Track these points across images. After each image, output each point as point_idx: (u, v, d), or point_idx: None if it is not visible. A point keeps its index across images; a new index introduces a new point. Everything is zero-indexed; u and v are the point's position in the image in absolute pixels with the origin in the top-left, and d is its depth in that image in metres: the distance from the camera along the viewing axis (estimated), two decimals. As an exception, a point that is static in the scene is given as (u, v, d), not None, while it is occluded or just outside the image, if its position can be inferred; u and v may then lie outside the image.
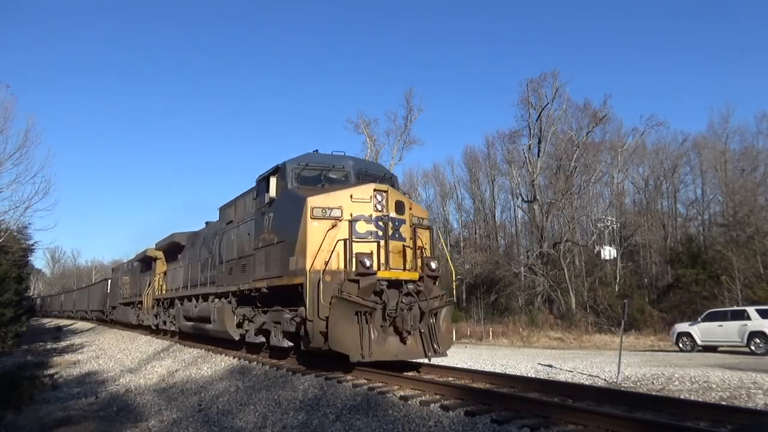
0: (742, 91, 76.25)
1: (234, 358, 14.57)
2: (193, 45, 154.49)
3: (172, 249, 22.92)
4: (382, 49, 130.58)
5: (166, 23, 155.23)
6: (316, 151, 12.78)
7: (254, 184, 14.28)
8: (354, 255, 10.37)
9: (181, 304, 19.66)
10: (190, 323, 18.41)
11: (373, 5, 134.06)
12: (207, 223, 20.35)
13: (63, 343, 29.62)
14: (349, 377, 10.47)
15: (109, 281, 38.94)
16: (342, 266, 10.61)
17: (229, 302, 14.83)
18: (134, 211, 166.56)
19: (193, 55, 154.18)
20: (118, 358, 20.05)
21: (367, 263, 10.15)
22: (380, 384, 9.58)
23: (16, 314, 26.93)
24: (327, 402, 8.69)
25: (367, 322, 10.05)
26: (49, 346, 27.65)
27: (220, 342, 16.50)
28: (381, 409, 7.79)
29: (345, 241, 10.68)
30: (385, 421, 7.35)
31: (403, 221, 11.38)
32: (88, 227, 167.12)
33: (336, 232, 10.77)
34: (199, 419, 9.54)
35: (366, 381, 9.98)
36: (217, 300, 15.79)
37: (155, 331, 24.93)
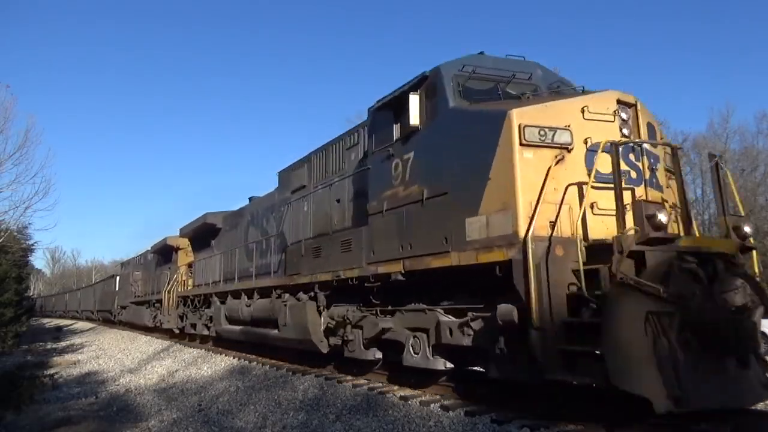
0: (742, 91, 72.72)
1: (234, 358, 13.13)
2: (193, 45, 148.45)
3: (201, 234, 17.64)
4: (382, 49, 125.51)
5: (166, 23, 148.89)
6: (482, 53, 7.58)
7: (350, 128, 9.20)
8: (635, 207, 5.20)
9: (223, 302, 14.36)
10: (239, 328, 13.12)
11: (373, 5, 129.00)
12: (251, 198, 15.23)
13: (63, 343, 27.13)
14: (349, 377, 9.00)
15: (118, 278, 33.52)
16: (579, 231, 5.45)
17: (313, 298, 9.60)
18: (134, 210, 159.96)
19: (193, 55, 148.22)
20: (118, 358, 18.40)
21: (662, 219, 4.97)
22: (380, 384, 8.25)
23: (16, 314, 24.91)
24: (327, 402, 7.97)
25: (663, 334, 4.91)
26: (49, 346, 25.54)
27: (289, 354, 11.27)
28: (381, 409, 7.08)
29: (581, 186, 5.61)
30: (385, 421, 6.64)
31: (657, 158, 6.30)
32: (88, 227, 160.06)
33: (564, 169, 5.70)
34: (199, 419, 8.82)
35: (366, 381, 8.54)
36: (287, 295, 10.55)
37: (179, 335, 19.60)
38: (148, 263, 26.47)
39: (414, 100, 7.18)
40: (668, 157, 6.54)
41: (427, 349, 6.98)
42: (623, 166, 5.74)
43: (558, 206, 5.52)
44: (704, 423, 5.05)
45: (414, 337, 7.23)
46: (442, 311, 6.83)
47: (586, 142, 5.82)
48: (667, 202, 6.17)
